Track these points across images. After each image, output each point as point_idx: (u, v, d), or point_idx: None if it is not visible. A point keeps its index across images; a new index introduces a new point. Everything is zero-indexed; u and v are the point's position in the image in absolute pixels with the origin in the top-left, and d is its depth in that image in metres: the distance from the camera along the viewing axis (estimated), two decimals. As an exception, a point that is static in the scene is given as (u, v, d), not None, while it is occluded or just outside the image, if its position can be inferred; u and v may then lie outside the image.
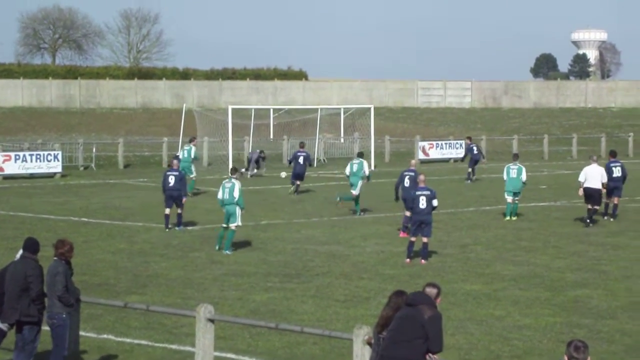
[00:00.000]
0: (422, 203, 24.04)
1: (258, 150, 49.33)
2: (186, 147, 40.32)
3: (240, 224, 25.43)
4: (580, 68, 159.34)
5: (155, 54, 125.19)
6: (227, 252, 24.80)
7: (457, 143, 61.46)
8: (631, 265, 23.64)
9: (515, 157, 33.97)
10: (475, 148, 46.95)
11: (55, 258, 13.76)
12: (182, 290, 20.35)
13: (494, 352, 15.84)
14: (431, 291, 11.33)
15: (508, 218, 31.80)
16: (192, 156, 39.46)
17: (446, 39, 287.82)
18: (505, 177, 32.33)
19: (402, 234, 27.90)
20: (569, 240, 27.63)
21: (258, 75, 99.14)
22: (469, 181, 45.75)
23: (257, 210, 34.34)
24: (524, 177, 32.05)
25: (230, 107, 51.86)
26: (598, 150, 66.55)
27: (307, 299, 19.68)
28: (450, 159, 60.41)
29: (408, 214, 27.64)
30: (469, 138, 49.15)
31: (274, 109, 66.93)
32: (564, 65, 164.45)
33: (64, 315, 13.66)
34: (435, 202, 24.19)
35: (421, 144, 60.06)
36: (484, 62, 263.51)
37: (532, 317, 18.19)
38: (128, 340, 16.32)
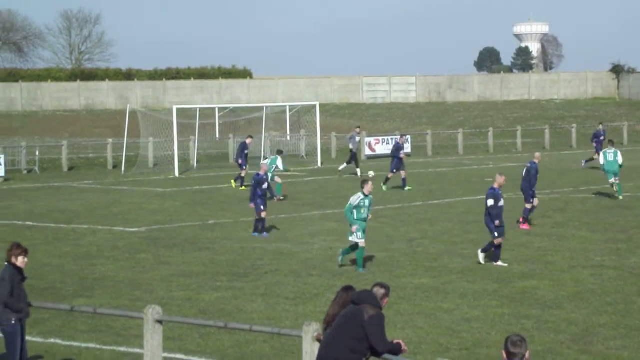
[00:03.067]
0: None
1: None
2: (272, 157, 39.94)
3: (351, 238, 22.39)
4: (523, 61, 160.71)
5: (97, 55, 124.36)
6: (361, 270, 22.16)
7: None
8: (576, 255, 23.88)
9: (612, 143, 37.36)
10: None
11: (6, 263, 13.56)
12: (130, 292, 20.19)
13: (443, 345, 15.90)
14: (378, 291, 11.30)
15: (620, 197, 34.74)
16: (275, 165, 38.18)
17: (390, 34, 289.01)
18: (602, 161, 35.47)
19: (522, 226, 28.41)
20: (515, 232, 27.83)
21: (202, 74, 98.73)
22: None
23: (204, 209, 34.20)
24: (620, 159, 35.11)
25: (174, 107, 51.60)
26: (542, 142, 67.32)
27: (256, 297, 19.62)
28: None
29: (528, 206, 28.77)
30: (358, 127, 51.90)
31: (219, 108, 66.75)
32: (507, 59, 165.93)
33: (13, 322, 13.46)
34: (488, 202, 22.98)
35: (367, 139, 60.22)
36: (428, 57, 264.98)
37: (480, 310, 18.29)
38: (76, 344, 16.15)
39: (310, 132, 59.67)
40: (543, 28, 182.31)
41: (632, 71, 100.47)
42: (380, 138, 61.45)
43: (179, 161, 49.52)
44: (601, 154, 36.89)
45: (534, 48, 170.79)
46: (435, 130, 70.97)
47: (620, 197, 35.01)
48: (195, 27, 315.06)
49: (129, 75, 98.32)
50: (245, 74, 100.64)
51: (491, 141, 65.27)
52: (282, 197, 36.65)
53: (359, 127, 53.14)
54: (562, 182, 41.78)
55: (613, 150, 36.06)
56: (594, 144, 49.14)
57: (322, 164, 54.23)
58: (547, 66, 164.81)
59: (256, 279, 21.50)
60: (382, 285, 11.38)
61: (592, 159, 47.81)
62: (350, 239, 22.21)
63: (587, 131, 72.28)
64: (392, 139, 61.50)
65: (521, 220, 28.86)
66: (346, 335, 10.83)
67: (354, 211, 21.97)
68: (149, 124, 56.47)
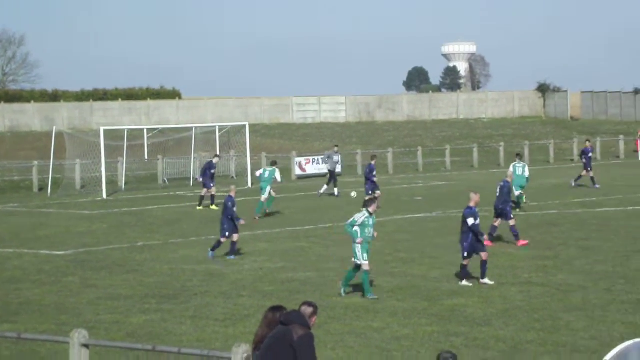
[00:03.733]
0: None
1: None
2: (269, 168, 39.81)
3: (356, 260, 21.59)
4: (451, 80, 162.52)
5: (22, 76, 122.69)
6: (371, 295, 21.31)
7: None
8: (505, 272, 24.06)
9: (519, 157, 39.47)
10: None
11: None
12: (56, 316, 19.84)
13: (373, 364, 15.87)
14: (306, 310, 11.21)
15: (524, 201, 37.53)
16: (274, 177, 38.62)
17: (319, 55, 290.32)
18: (512, 175, 36.50)
19: (520, 243, 28.45)
20: (445, 250, 27.97)
21: (130, 95, 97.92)
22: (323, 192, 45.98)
23: (133, 231, 33.85)
24: (527, 173, 37.56)
25: (102, 129, 51.08)
26: (471, 161, 67.94)
27: (185, 319, 19.41)
28: (327, 173, 60.66)
29: (512, 222, 28.95)
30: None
31: (147, 129, 66.26)
32: (435, 78, 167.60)
33: None
34: (469, 221, 22.87)
35: (297, 159, 60.23)
36: (358, 77, 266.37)
37: (410, 328, 18.32)
38: (0, 370, 15.79)
39: (240, 153, 59.49)
40: (471, 48, 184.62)
41: (557, 90, 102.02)
42: (311, 158, 61.49)
43: (106, 183, 49.00)
44: (511, 167, 37.81)
45: (462, 68, 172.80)
46: (365, 150, 71.19)
47: (524, 201, 37.88)
48: (123, 48, 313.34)
49: (54, 97, 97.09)
50: (174, 95, 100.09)
51: (420, 160, 65.70)
52: (259, 217, 36.88)
53: (337, 147, 51.27)
54: (491, 200, 42.05)
55: (522, 164, 38.17)
56: (583, 161, 48.01)
57: (252, 184, 54.06)
58: (475, 85, 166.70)
59: (185, 300, 21.29)
60: (309, 304, 11.30)
61: (580, 177, 47.06)
62: (354, 260, 21.42)
63: (514, 149, 73.14)
64: (322, 159, 61.62)
65: (514, 239, 28.74)
66: (276, 356, 10.72)
67: (357, 230, 21.38)
68: (76, 146, 55.80)
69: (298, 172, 59.52)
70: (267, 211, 37.98)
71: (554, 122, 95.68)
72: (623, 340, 12.36)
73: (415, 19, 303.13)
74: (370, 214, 21.50)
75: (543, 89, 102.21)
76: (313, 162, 60.84)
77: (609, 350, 10.01)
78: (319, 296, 21.12)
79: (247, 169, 55.05)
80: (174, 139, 64.97)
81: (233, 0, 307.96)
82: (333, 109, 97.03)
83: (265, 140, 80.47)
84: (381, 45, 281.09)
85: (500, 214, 29.40)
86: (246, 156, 55.85)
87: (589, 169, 46.90)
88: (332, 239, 30.95)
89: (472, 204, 23.17)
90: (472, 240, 22.81)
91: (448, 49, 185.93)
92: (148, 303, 21.06)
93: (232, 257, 27.19)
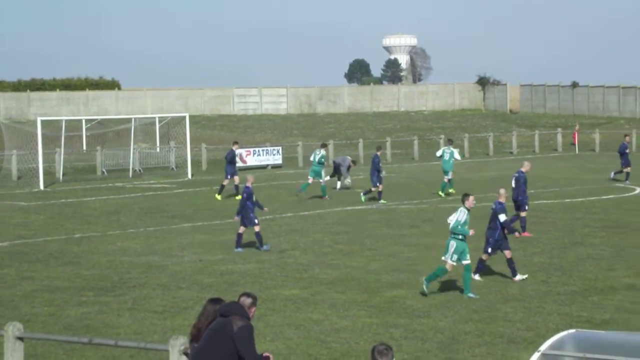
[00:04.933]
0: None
1: (349, 158, 46.53)
2: (318, 152, 41.66)
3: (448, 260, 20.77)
4: (392, 73, 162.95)
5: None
6: (471, 295, 20.38)
7: (274, 149, 61.83)
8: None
9: (450, 142, 41.21)
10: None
11: None
12: (-9, 309, 19.53)
13: (312, 355, 15.87)
14: (245, 301, 11.15)
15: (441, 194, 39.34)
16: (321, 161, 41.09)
17: (261, 46, 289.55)
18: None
19: (524, 234, 27.89)
20: (384, 242, 28.07)
21: (68, 85, 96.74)
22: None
23: (70, 223, 33.49)
24: (456, 156, 40.01)
25: (39, 119, 50.43)
26: (411, 153, 68.26)
27: (123, 311, 19.24)
28: (267, 165, 60.63)
29: (524, 214, 28.87)
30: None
31: (86, 120, 65.58)
32: (377, 71, 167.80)
33: None
34: (501, 217, 22.15)
35: (238, 151, 59.92)
36: (299, 69, 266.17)
37: (349, 320, 18.35)
38: None
39: (180, 144, 59.14)
40: (411, 40, 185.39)
41: (497, 83, 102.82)
42: (252, 149, 61.33)
43: (44, 174, 48.42)
44: (440, 151, 40.30)
45: (403, 60, 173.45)
46: (306, 142, 71.21)
47: (452, 190, 40.02)
48: (61, 38, 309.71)
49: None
50: (113, 85, 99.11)
51: (361, 152, 65.83)
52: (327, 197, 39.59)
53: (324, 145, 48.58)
54: (430, 192, 42.35)
55: (451, 150, 40.26)
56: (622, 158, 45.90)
57: (192, 175, 53.79)
58: (416, 78, 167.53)
59: (123, 293, 21.10)
60: (248, 295, 11.25)
61: (620, 172, 45.84)
62: (445, 258, 20.52)
63: (455, 142, 73.59)
64: (263, 150, 61.51)
65: (521, 230, 28.44)
66: (215, 348, 10.66)
67: (459, 227, 20.49)
68: (13, 137, 55.07)
69: (239, 164, 59.23)
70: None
71: (494, 115, 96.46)
72: (558, 330, 12.52)
73: (356, 10, 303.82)
74: (468, 209, 20.71)
75: (483, 82, 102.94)
76: (254, 153, 60.68)
77: (545, 341, 10.10)
78: (259, 288, 21.07)
79: (187, 161, 54.73)
80: (113, 130, 64.40)
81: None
82: (274, 101, 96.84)
83: (205, 131, 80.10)
84: (322, 37, 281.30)
85: (520, 205, 29.14)
86: (186, 147, 55.53)
87: (628, 165, 45.37)
88: (272, 230, 30.89)
89: (502, 199, 22.53)
90: (499, 236, 22.21)
91: (389, 41, 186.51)
92: (85, 295, 20.84)
93: (266, 247, 26.78)
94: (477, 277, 22.12)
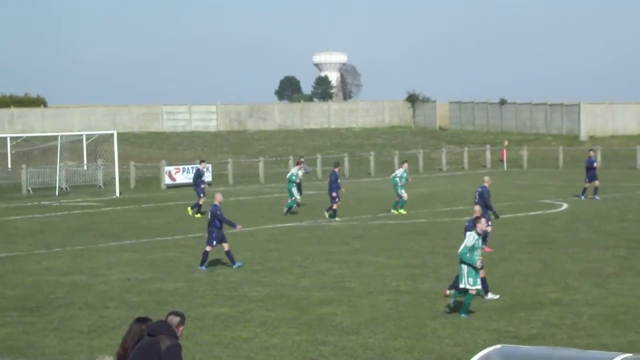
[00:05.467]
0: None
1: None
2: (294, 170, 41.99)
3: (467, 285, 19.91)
4: (323, 90, 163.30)
5: None
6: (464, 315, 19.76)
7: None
8: (373, 281, 24.20)
9: (406, 163, 42.36)
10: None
11: None
12: None
13: (241, 375, 15.70)
14: (173, 319, 11.02)
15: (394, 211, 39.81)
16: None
17: (190, 62, 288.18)
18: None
19: (486, 249, 27.25)
20: (314, 259, 28.01)
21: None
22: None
23: (-4, 242, 32.88)
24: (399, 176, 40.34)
25: (-37, 137, 49.56)
26: (342, 170, 68.13)
27: (48, 332, 18.88)
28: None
29: (489, 229, 28.14)
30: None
31: (11, 138, 64.58)
32: (307, 88, 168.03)
33: None
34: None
35: (167, 168, 59.59)
36: (229, 85, 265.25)
37: (278, 337, 18.22)
38: None
39: (107, 162, 58.51)
40: (342, 58, 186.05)
41: (426, 100, 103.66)
42: (181, 167, 60.92)
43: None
44: (402, 171, 40.59)
45: (333, 77, 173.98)
46: (236, 159, 71.00)
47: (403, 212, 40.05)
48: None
49: None
50: (38, 103, 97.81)
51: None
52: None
53: (302, 157, 47.96)
54: (361, 209, 42.44)
55: (402, 171, 40.90)
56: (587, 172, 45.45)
57: (120, 193, 53.25)
58: (346, 95, 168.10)
59: (49, 312, 20.72)
60: (176, 313, 11.11)
61: (585, 189, 45.34)
62: (463, 285, 19.77)
63: (384, 159, 73.99)
64: (192, 167, 61.10)
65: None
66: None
67: (468, 254, 19.78)
68: None
69: (168, 181, 58.88)
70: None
71: (423, 132, 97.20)
72: (486, 346, 12.54)
73: (287, 27, 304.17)
74: (479, 234, 20.09)
75: (412, 99, 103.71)
76: (183, 171, 60.26)
77: (472, 357, 10.10)
78: (188, 307, 20.84)
79: (115, 179, 54.16)
80: (39, 147, 63.51)
81: (99, 6, 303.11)
82: (204, 118, 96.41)
83: (134, 149, 79.42)
84: (252, 54, 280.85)
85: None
86: (114, 165, 54.97)
87: (589, 180, 45.06)
88: (201, 248, 30.55)
89: (477, 215, 22.14)
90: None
91: (319, 58, 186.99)
92: (9, 316, 20.42)
93: (238, 264, 26.57)
94: (490, 296, 21.64)
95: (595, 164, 45.25)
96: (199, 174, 42.25)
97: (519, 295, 21.97)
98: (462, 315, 19.65)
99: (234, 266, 26.52)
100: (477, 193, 30.44)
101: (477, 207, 23.07)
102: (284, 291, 22.94)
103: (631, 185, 49.09)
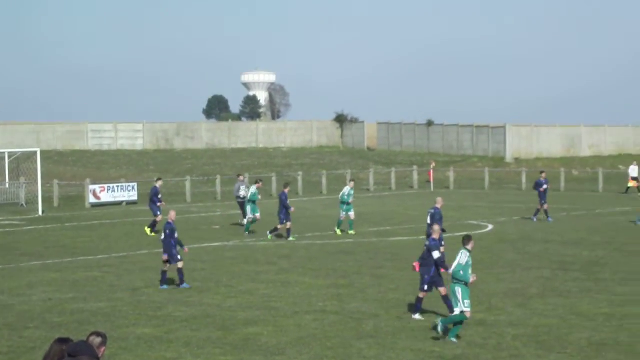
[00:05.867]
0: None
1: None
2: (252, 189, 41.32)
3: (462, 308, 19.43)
4: (251, 109, 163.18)
5: None
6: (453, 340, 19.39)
7: (129, 186, 60.85)
8: (300, 301, 24.10)
9: (351, 181, 42.43)
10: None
11: None
12: None
13: (164, 396, 15.46)
14: (94, 340, 10.85)
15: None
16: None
17: (116, 80, 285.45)
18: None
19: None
20: (240, 279, 27.83)
21: None
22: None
23: None
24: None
25: None
26: (269, 190, 68.18)
27: (-34, 353, 18.42)
28: (122, 201, 59.58)
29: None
30: None
31: None
32: (235, 107, 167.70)
33: None
34: (435, 254, 21.73)
35: (92, 187, 58.84)
36: (156, 104, 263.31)
37: (203, 358, 18.01)
38: None
39: (30, 180, 57.56)
40: (270, 77, 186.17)
41: (354, 121, 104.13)
42: (106, 186, 60.19)
43: None
44: (349, 189, 40.52)
45: (262, 97, 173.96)
46: (163, 178, 70.39)
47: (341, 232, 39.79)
48: None
49: None
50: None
51: (219, 188, 65.51)
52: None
53: (241, 175, 47.21)
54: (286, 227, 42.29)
55: (349, 190, 40.47)
56: (539, 193, 45.36)
57: (43, 212, 52.41)
58: (275, 115, 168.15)
59: (-33, 333, 20.21)
60: (98, 334, 10.95)
61: (538, 210, 45.36)
62: (459, 309, 19.25)
63: (312, 179, 74.01)
64: (118, 186, 60.42)
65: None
66: (63, 389, 10.26)
67: (461, 272, 19.38)
68: None
69: (92, 200, 58.12)
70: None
71: (351, 152, 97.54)
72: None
73: (215, 46, 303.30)
74: (470, 252, 19.69)
75: (341, 119, 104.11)
76: (108, 190, 59.56)
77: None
78: (110, 327, 20.52)
79: (38, 197, 53.31)
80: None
81: (21, 19, 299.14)
82: (130, 136, 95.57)
83: (58, 167, 78.33)
84: (180, 73, 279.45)
85: None
86: (37, 183, 54.11)
87: (543, 202, 45.01)
88: (125, 268, 30.26)
89: (435, 236, 22.17)
90: (434, 273, 21.65)
91: (247, 77, 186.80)
92: None
93: (185, 285, 26.29)
94: (417, 316, 21.62)
95: (545, 186, 45.01)
96: (155, 192, 41.73)
97: (444, 315, 22.03)
98: (452, 339, 19.20)
99: (182, 286, 26.19)
100: (429, 214, 30.68)
101: (437, 227, 22.83)
102: (209, 311, 22.72)
103: (555, 207, 49.62)
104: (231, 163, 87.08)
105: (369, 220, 46.41)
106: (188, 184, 64.13)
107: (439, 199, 31.56)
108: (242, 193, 43.32)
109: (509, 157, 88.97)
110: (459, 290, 19.34)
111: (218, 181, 66.23)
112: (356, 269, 29.79)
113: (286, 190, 38.86)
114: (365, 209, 50.01)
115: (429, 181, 75.71)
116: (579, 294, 24.77)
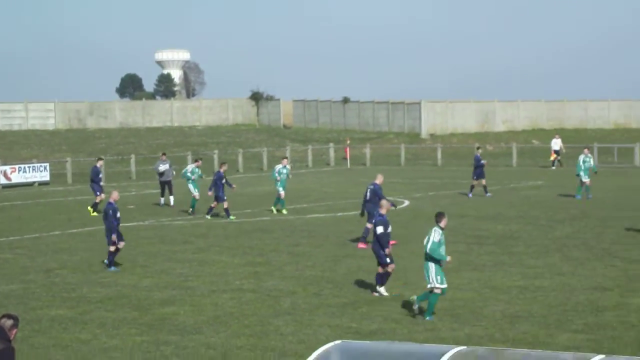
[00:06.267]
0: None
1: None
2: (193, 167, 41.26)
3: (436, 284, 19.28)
4: (165, 88, 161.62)
5: None
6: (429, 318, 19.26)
7: (41, 166, 59.87)
8: (217, 280, 23.99)
9: (284, 159, 40.73)
10: None
11: None
12: None
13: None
14: (5, 322, 10.68)
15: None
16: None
17: (27, 58, 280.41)
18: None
19: (360, 245, 28.59)
20: (157, 258, 27.59)
21: None
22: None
23: None
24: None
25: None
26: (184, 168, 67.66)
27: None
28: (34, 182, 58.63)
29: (369, 225, 28.03)
30: None
31: None
32: (149, 85, 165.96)
33: None
34: (378, 229, 21.38)
35: (2, 168, 57.78)
36: (68, 83, 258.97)
37: (118, 338, 17.83)
38: None
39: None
40: (184, 55, 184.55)
41: (270, 99, 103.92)
42: (17, 166, 59.14)
43: None
44: (277, 168, 39.58)
45: (176, 75, 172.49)
46: (75, 158, 69.50)
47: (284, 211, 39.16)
48: None
49: None
50: None
51: (134, 168, 64.86)
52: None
53: (164, 155, 45.84)
54: (205, 207, 42.08)
55: (286, 168, 39.76)
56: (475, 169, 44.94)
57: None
58: (190, 93, 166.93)
59: None
60: (9, 316, 10.78)
61: (473, 187, 45.08)
62: (431, 285, 19.09)
63: (229, 157, 73.77)
64: (29, 166, 59.41)
65: (361, 240, 29.26)
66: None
67: (438, 250, 19.06)
68: None
69: (3, 181, 57.07)
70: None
71: (267, 130, 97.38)
72: (328, 342, 12.51)
73: (127, 24, 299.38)
74: (442, 229, 19.41)
75: (256, 97, 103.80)
76: (19, 170, 58.52)
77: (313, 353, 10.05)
78: (23, 309, 20.19)
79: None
80: None
81: None
82: (41, 116, 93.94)
83: (-32, 148, 76.77)
84: (93, 51, 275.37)
85: (370, 215, 28.81)
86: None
87: (475, 177, 44.80)
88: (38, 249, 29.78)
89: (383, 211, 21.81)
90: (375, 247, 21.55)
91: (161, 55, 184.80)
92: None
93: (114, 269, 25.59)
94: (382, 290, 21.46)
95: (483, 162, 44.93)
96: (95, 172, 40.89)
97: (361, 291, 22.14)
98: (428, 317, 19.03)
99: (110, 269, 25.74)
100: (368, 190, 29.89)
101: (384, 202, 22.62)
102: (125, 292, 22.49)
103: (470, 182, 50.18)
104: (146, 142, 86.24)
105: (286, 197, 46.41)
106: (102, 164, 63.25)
107: (379, 175, 30.94)
108: (160, 168, 42.99)
109: (424, 133, 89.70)
110: (431, 266, 19.12)
111: (132, 160, 65.56)
112: (273, 246, 29.75)
113: (221, 170, 38.43)
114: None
115: (345, 158, 75.99)
116: (494, 267, 25.10)
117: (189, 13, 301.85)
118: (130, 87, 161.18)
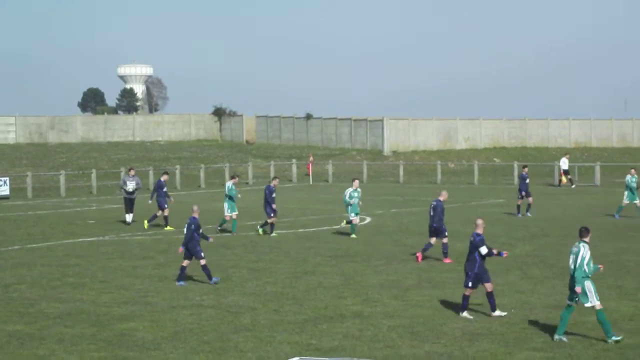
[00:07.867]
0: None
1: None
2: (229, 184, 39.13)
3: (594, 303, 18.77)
4: (128, 102, 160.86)
5: None
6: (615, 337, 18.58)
7: (1, 180, 59.38)
8: (177, 295, 23.87)
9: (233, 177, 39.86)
10: None
11: None
12: None
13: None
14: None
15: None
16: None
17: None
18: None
19: (446, 261, 29.49)
20: (116, 274, 27.42)
21: None
22: None
23: None
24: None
25: None
26: (147, 183, 67.46)
27: None
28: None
29: (445, 240, 29.63)
30: None
31: None
32: (112, 100, 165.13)
33: None
34: (482, 250, 21.09)
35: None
36: (29, 97, 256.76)
37: (77, 354, 17.68)
38: None
39: None
40: (147, 70, 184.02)
41: (233, 114, 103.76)
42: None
43: None
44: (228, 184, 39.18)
45: (139, 90, 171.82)
46: (36, 172, 68.96)
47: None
48: None
49: None
50: None
51: (94, 183, 64.46)
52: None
53: (132, 170, 43.98)
54: (173, 222, 41.87)
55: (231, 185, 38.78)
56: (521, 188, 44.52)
57: None
58: (153, 108, 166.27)
59: None
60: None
61: (529, 206, 44.45)
62: (590, 304, 18.61)
63: (190, 172, 73.48)
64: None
65: (443, 256, 29.87)
66: None
67: (590, 266, 18.57)
68: None
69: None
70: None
71: (230, 146, 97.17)
72: (288, 359, 12.51)
73: (90, 38, 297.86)
74: (588, 243, 18.82)
75: (219, 112, 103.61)
76: (-20, 184, 57.96)
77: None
78: (-20, 325, 19.94)
79: None
80: None
81: None
82: (2, 130, 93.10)
83: None
84: (54, 65, 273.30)
85: (436, 232, 29.80)
86: None
87: (522, 195, 44.33)
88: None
89: (479, 231, 21.27)
90: (479, 269, 21.06)
91: (124, 70, 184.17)
92: None
93: (215, 279, 25.70)
94: (465, 314, 21.00)
95: (527, 180, 44.51)
96: (160, 185, 40.54)
97: (321, 308, 22.12)
98: (615, 338, 18.44)
99: (212, 281, 25.71)
100: (431, 207, 30.19)
101: (480, 221, 21.67)
102: (83, 307, 22.32)
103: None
104: (107, 157, 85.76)
105: (248, 213, 46.30)
106: (62, 178, 62.93)
107: (444, 192, 30.72)
108: (129, 186, 42.14)
109: (386, 150, 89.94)
110: (589, 284, 18.67)
111: (94, 175, 65.15)
112: (234, 262, 29.67)
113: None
114: (243, 203, 49.83)
115: (307, 174, 75.98)
116: (454, 284, 25.17)
117: (152, 28, 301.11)
118: (92, 101, 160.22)
